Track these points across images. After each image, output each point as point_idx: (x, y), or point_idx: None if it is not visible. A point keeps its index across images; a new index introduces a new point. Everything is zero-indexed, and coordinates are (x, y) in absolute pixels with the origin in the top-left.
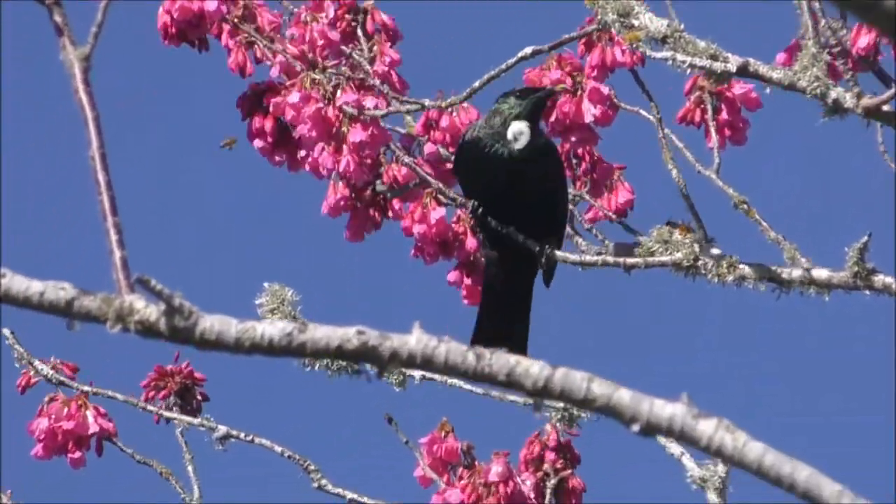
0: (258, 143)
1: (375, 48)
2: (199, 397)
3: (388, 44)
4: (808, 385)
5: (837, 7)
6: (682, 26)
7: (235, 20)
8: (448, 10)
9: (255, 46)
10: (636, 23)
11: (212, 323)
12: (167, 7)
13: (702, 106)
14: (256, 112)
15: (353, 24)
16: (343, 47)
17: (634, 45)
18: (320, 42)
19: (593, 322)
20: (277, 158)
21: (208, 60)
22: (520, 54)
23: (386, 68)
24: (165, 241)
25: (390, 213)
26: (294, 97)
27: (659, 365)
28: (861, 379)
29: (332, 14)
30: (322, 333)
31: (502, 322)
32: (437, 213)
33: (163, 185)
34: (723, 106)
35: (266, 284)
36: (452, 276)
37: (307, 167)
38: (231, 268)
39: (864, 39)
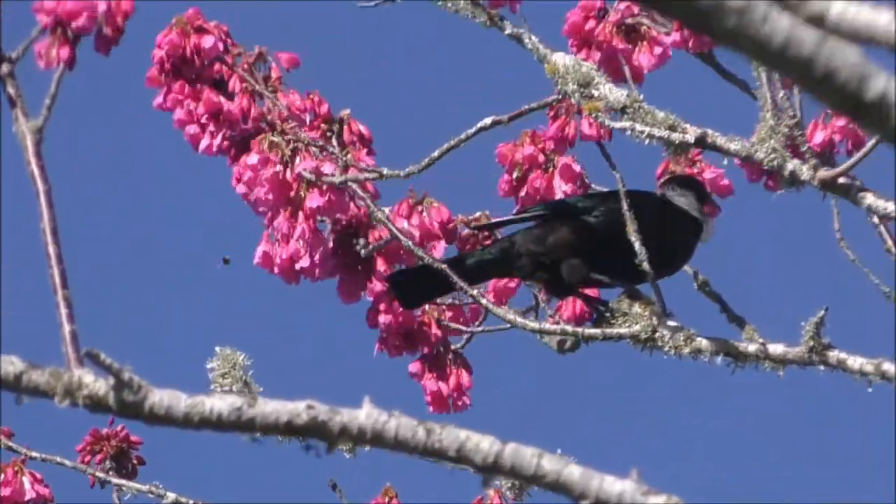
0: (241, 188)
1: (349, 156)
2: (134, 461)
3: (364, 151)
4: (761, 460)
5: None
6: (642, 97)
7: (246, 65)
8: (410, 79)
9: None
10: (596, 93)
11: (161, 397)
12: (159, 41)
13: None
14: (242, 158)
15: (329, 133)
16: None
17: (594, 115)
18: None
19: (550, 393)
20: (262, 209)
21: (161, 127)
22: (479, 125)
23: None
24: (116, 312)
25: (377, 276)
26: (252, 158)
27: (613, 438)
28: (815, 453)
29: (307, 123)
30: (271, 408)
31: None
32: None
33: (113, 258)
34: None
35: (217, 349)
36: (414, 367)
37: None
38: (185, 332)
39: (820, 135)
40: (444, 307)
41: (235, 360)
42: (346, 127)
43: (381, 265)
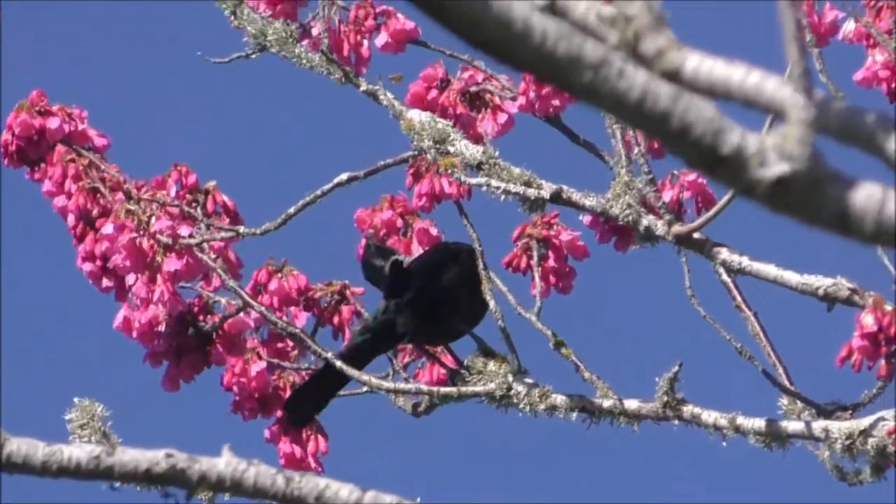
0: (87, 266)
1: (212, 228)
2: None
3: (228, 221)
4: None
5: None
6: (497, 153)
7: (82, 165)
8: (265, 136)
9: (98, 194)
10: (452, 149)
11: (18, 446)
12: (9, 122)
13: (528, 252)
14: (88, 236)
15: (195, 204)
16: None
17: (450, 171)
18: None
19: (407, 455)
20: (105, 284)
21: (32, 191)
22: (335, 180)
23: (222, 244)
24: None
25: (212, 361)
26: (108, 228)
27: (468, 495)
28: None
29: (173, 193)
30: (130, 457)
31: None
32: (257, 367)
33: None
34: (550, 253)
35: (76, 399)
36: (270, 432)
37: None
38: (43, 383)
39: (668, 194)
40: (299, 371)
41: (94, 411)
42: (210, 197)
43: (218, 350)
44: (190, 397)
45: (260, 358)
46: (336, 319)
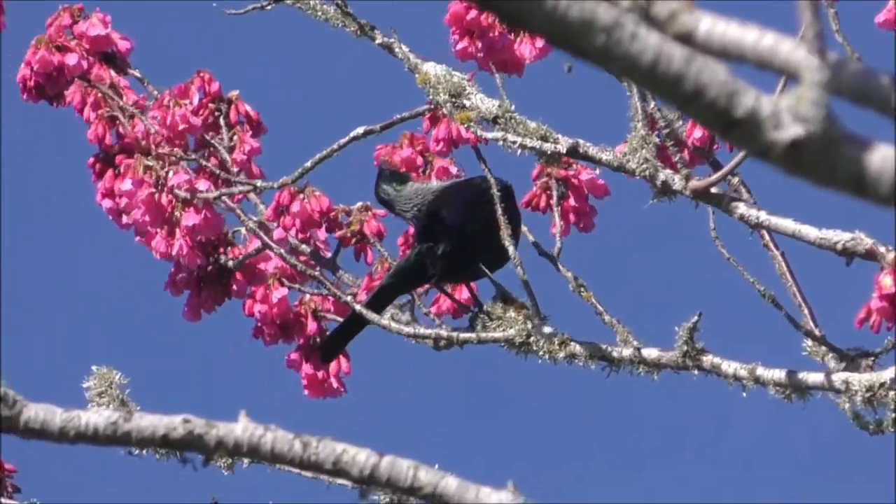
0: (107, 203)
1: (236, 137)
2: (10, 489)
3: (250, 133)
4: (638, 464)
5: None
6: (513, 107)
7: (100, 95)
8: (281, 89)
9: (117, 122)
10: (467, 103)
11: (36, 412)
12: (28, 59)
13: (548, 192)
14: (107, 173)
15: (217, 113)
16: (204, 134)
17: (466, 125)
18: (181, 126)
19: (428, 389)
20: (125, 221)
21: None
22: (351, 134)
23: (245, 156)
24: None
25: (232, 293)
26: (127, 184)
27: (489, 447)
28: (689, 457)
29: (196, 102)
30: (147, 422)
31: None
32: (278, 294)
33: None
34: (570, 192)
35: (94, 367)
36: (291, 358)
37: (138, 242)
38: (61, 350)
39: (699, 131)
40: (323, 298)
41: (112, 378)
42: (233, 107)
43: (239, 280)
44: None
45: (281, 284)
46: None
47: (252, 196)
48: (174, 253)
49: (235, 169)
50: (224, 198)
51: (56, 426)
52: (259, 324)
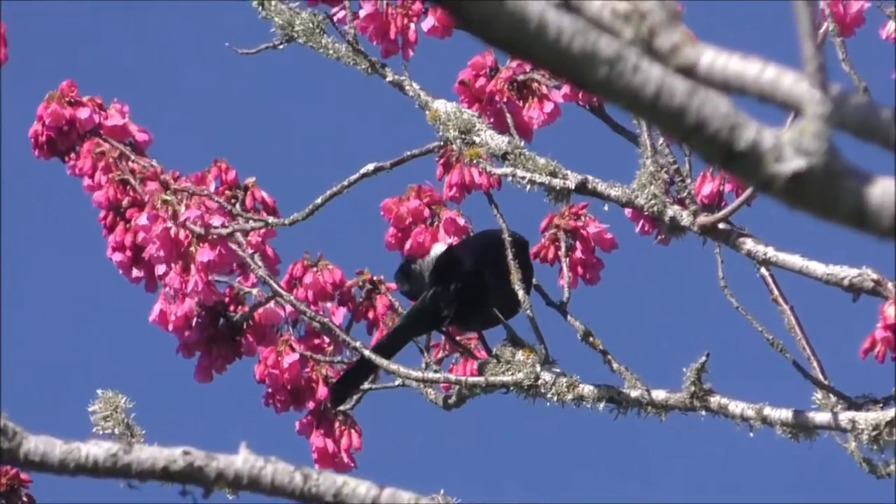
0: (117, 257)
1: (251, 222)
2: (24, 499)
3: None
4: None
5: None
6: (522, 143)
7: (112, 158)
8: (291, 127)
9: (128, 186)
10: (477, 139)
11: (36, 444)
12: (39, 113)
13: (556, 243)
14: (118, 226)
15: (234, 200)
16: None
17: (475, 161)
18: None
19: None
20: (135, 274)
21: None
22: (362, 171)
23: (259, 239)
24: None
25: (243, 351)
26: (143, 219)
27: (495, 484)
28: (699, 498)
29: (213, 189)
30: (147, 454)
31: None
32: (289, 359)
33: None
34: (578, 244)
35: (99, 391)
36: (300, 425)
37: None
38: (67, 374)
39: (708, 186)
40: (332, 364)
41: (117, 402)
42: (249, 193)
43: (249, 339)
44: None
45: (293, 349)
46: (371, 314)
47: (262, 272)
48: (189, 289)
49: (250, 251)
50: (239, 251)
51: (56, 458)
52: (270, 390)
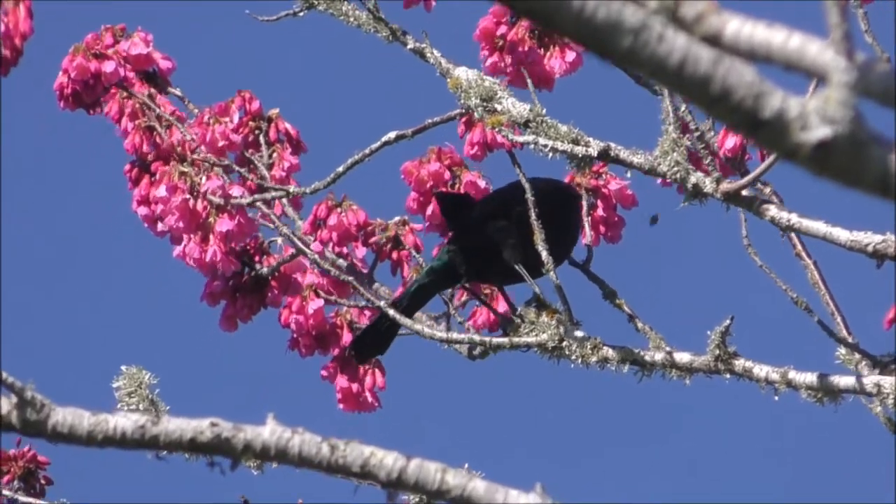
0: (142, 210)
1: (275, 155)
2: (42, 481)
3: (289, 151)
4: (670, 468)
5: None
6: (545, 110)
7: (138, 104)
8: (313, 94)
9: (155, 132)
10: (499, 107)
11: (64, 416)
12: (65, 66)
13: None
14: (143, 180)
15: (257, 131)
16: (244, 151)
17: (497, 129)
18: (221, 143)
19: (461, 398)
20: (160, 228)
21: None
22: (383, 139)
23: (284, 173)
24: (20, 329)
25: (268, 302)
26: (161, 191)
27: (520, 447)
28: (721, 462)
29: (236, 120)
30: (175, 426)
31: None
32: (314, 305)
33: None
34: (599, 202)
35: (123, 367)
36: (326, 370)
37: (176, 257)
38: (91, 350)
39: (731, 141)
40: (359, 310)
41: (141, 378)
42: (273, 125)
43: (274, 289)
44: (240, 347)
45: (317, 295)
46: (395, 255)
47: (290, 211)
48: (208, 259)
49: (275, 184)
50: (261, 206)
51: (84, 430)
52: (295, 335)
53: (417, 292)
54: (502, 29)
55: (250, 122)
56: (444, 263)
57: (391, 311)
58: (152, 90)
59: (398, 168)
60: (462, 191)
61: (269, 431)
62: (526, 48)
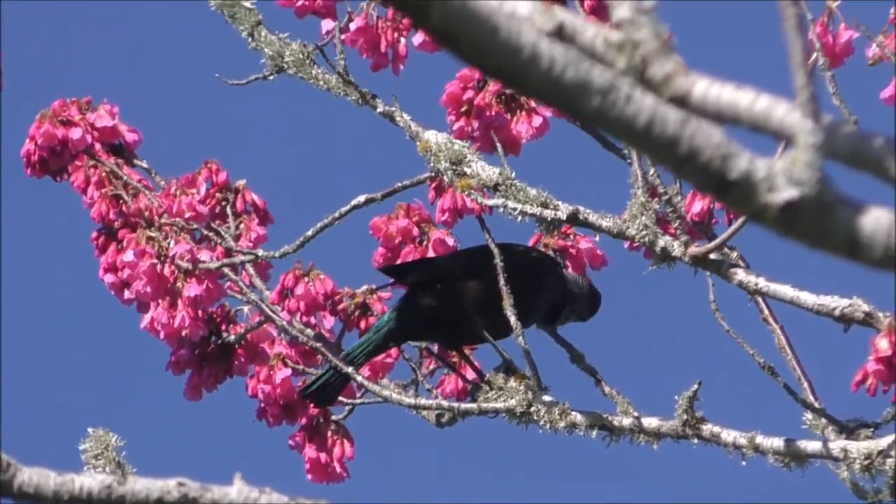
0: (109, 278)
1: (242, 225)
2: None
3: (256, 222)
4: None
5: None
6: (514, 174)
7: (104, 173)
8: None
9: (121, 201)
10: (468, 170)
11: (30, 476)
12: (31, 133)
13: None
14: (110, 247)
15: (224, 202)
16: (211, 223)
17: (467, 192)
18: (188, 214)
19: (430, 464)
20: (127, 296)
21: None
22: (353, 202)
23: (251, 244)
24: None
25: (234, 370)
26: (129, 255)
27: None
28: None
29: (203, 191)
30: (142, 486)
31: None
32: (282, 374)
33: None
34: (568, 262)
35: (90, 430)
36: (294, 440)
37: (144, 329)
38: (60, 413)
39: (699, 205)
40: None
41: (108, 441)
42: (240, 196)
43: (241, 358)
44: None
45: (285, 364)
46: (363, 323)
47: (257, 281)
48: (176, 324)
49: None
50: (229, 273)
51: (50, 490)
52: (262, 405)
53: (374, 351)
54: (469, 94)
55: (217, 194)
56: (401, 323)
57: (350, 370)
58: (118, 162)
59: (368, 232)
60: (429, 249)
61: (236, 492)
62: (493, 113)
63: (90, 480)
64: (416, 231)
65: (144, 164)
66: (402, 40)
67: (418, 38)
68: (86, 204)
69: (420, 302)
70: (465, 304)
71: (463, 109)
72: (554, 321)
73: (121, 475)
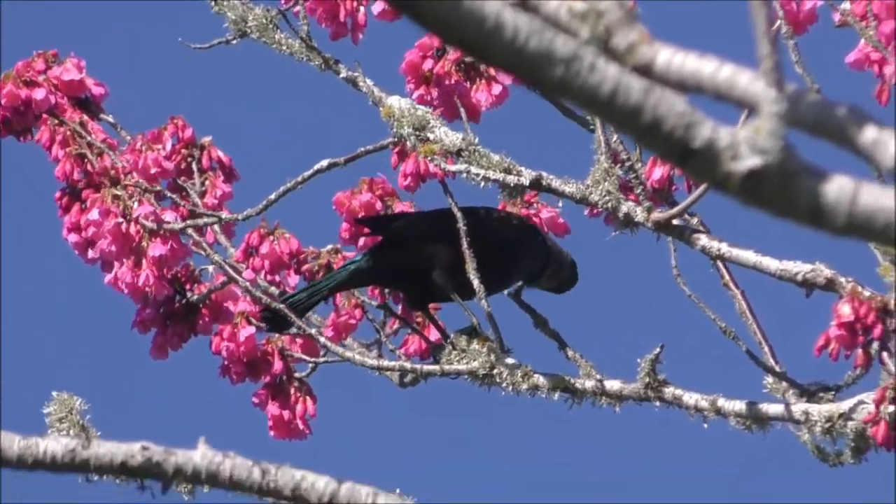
0: (73, 237)
1: (208, 182)
2: None
3: (222, 179)
4: (599, 496)
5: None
6: (477, 140)
7: (69, 131)
8: (246, 122)
9: (86, 160)
10: (431, 136)
11: None
12: None
13: None
14: (74, 207)
15: (190, 158)
16: (176, 179)
17: (430, 158)
18: (153, 170)
19: (392, 424)
20: (91, 255)
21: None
22: (316, 167)
23: (216, 201)
24: None
25: (198, 329)
26: (94, 214)
27: (450, 475)
28: (651, 490)
29: (169, 147)
30: (106, 450)
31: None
32: (246, 332)
33: None
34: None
35: (54, 393)
36: (258, 397)
37: (107, 284)
38: (23, 376)
39: (658, 171)
40: (291, 337)
41: (72, 404)
42: (206, 153)
43: (205, 317)
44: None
45: (249, 322)
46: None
47: (222, 238)
48: (141, 283)
49: (206, 211)
50: (192, 233)
51: (14, 453)
52: (226, 362)
53: (336, 287)
54: (428, 63)
55: (183, 150)
56: (371, 267)
57: (301, 322)
58: (84, 117)
59: (331, 196)
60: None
61: (200, 455)
62: (452, 81)
63: (54, 444)
64: (379, 205)
65: (111, 119)
66: (362, 9)
67: (378, 6)
68: (51, 161)
69: (394, 250)
70: (437, 261)
71: (423, 78)
72: (532, 282)
73: (85, 439)
